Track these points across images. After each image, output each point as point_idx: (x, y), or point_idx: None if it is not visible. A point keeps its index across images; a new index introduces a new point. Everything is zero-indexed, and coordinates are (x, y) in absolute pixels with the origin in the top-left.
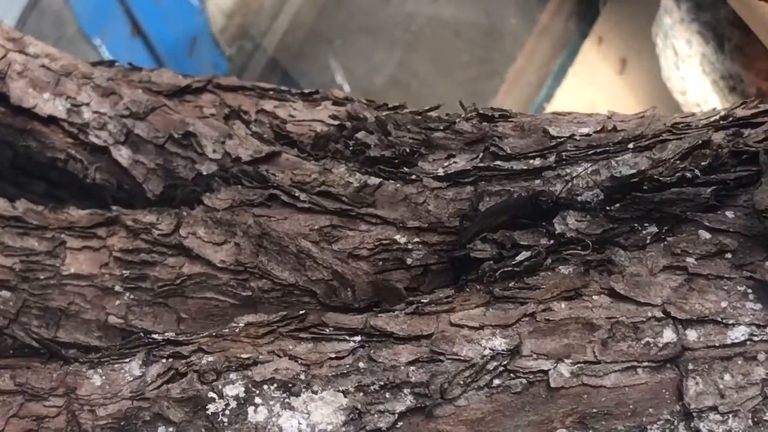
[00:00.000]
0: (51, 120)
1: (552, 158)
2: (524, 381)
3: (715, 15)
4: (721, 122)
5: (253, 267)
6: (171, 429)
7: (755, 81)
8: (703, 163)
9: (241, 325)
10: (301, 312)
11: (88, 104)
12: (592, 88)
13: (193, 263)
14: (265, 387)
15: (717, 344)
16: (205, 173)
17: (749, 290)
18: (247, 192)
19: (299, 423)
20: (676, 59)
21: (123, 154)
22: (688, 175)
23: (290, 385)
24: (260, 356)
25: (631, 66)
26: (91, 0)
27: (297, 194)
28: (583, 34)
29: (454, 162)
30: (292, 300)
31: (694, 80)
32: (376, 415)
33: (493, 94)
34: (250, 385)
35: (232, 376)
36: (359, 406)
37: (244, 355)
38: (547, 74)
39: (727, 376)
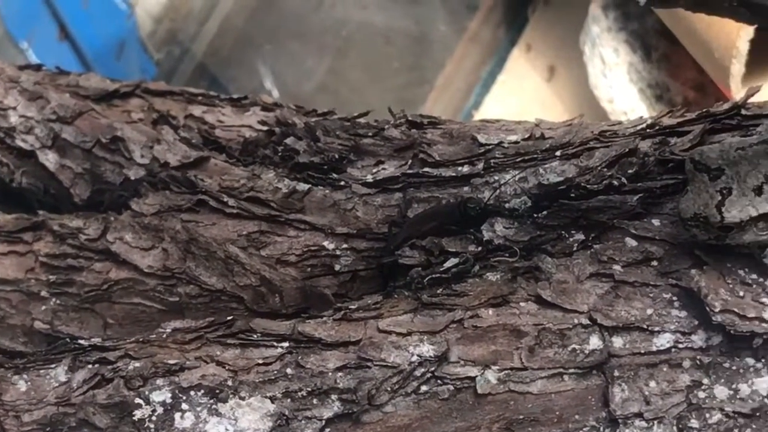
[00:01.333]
0: None
1: (480, 165)
2: (451, 387)
3: (642, 24)
4: (648, 131)
5: (180, 272)
6: None
7: (682, 90)
8: (629, 171)
9: (168, 330)
10: (228, 318)
11: (14, 108)
12: (521, 96)
13: (120, 268)
14: (192, 393)
15: (642, 351)
16: (132, 178)
17: (675, 298)
18: (175, 197)
19: (226, 429)
20: (603, 67)
21: (50, 159)
22: (615, 182)
23: (217, 391)
24: (187, 362)
25: (559, 74)
26: (18, 2)
27: (225, 200)
28: (512, 42)
29: (383, 168)
30: (219, 306)
31: (621, 88)
32: (303, 422)
33: (423, 100)
34: (177, 391)
35: (159, 382)
36: (287, 413)
37: (171, 361)
38: (476, 81)
39: (652, 383)
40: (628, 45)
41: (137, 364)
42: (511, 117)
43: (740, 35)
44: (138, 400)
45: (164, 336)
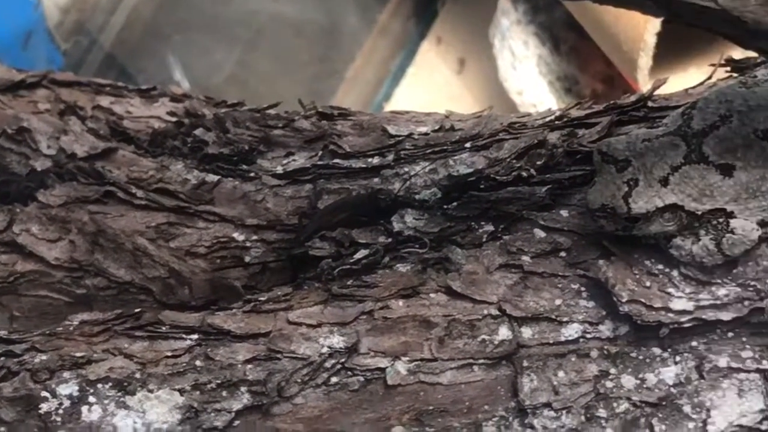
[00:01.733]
0: None
1: (390, 157)
2: (361, 379)
3: (551, 17)
4: (557, 122)
5: (88, 265)
6: (2, 429)
7: (590, 82)
8: (538, 163)
9: (76, 323)
10: (136, 310)
11: None
12: (431, 88)
13: (26, 260)
14: (100, 386)
15: (551, 341)
16: (39, 169)
17: (583, 288)
18: (82, 188)
19: (134, 422)
20: (513, 60)
21: None
22: (524, 174)
23: (125, 383)
24: (95, 355)
25: (469, 66)
26: None
27: (134, 191)
28: (422, 35)
29: (293, 160)
30: (127, 298)
31: (530, 81)
32: (212, 414)
33: (333, 93)
34: (84, 384)
35: (66, 374)
36: (195, 405)
37: (78, 354)
38: (386, 74)
39: (560, 373)
40: (537, 37)
41: (44, 357)
42: (422, 109)
43: (647, 28)
44: (44, 393)
45: (71, 329)
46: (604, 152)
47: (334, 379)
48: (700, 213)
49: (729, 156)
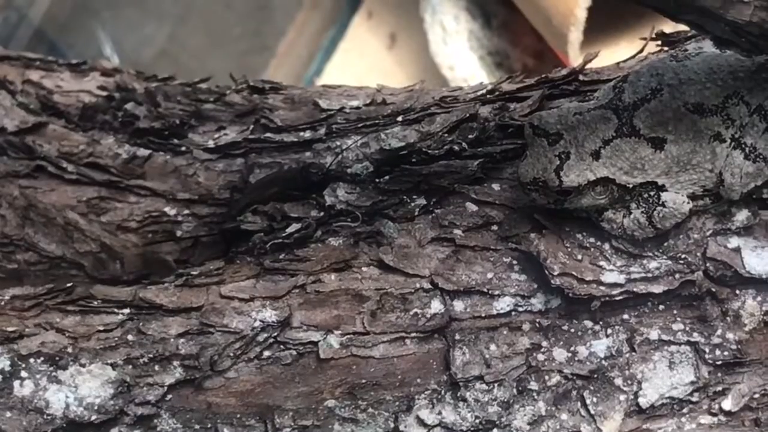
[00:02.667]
0: None
1: (322, 131)
2: (294, 353)
3: None
4: (488, 96)
5: (19, 239)
6: None
7: (521, 57)
8: (470, 137)
9: (7, 298)
10: (68, 285)
11: None
12: (362, 63)
13: None
14: (32, 360)
15: (483, 315)
16: None
17: (515, 261)
18: (12, 163)
19: (66, 396)
20: (444, 35)
21: None
22: (456, 148)
23: (57, 358)
24: (26, 329)
25: (400, 41)
26: None
27: (64, 165)
28: (353, 10)
29: (225, 134)
30: (59, 273)
31: (461, 56)
32: (145, 388)
33: (264, 67)
34: (15, 359)
35: None
36: (128, 379)
37: (10, 329)
38: (318, 49)
39: (492, 346)
40: (468, 12)
41: None
42: (353, 84)
43: (578, 2)
44: None
45: (2, 303)
46: (535, 126)
47: (266, 353)
48: (631, 186)
49: (660, 129)
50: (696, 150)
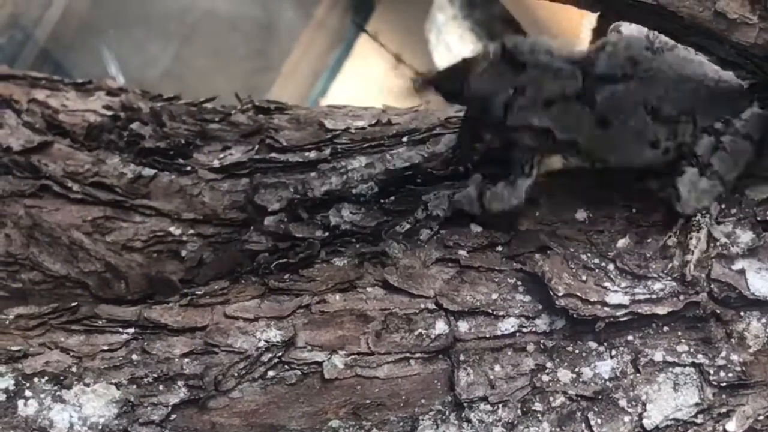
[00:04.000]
0: None
1: (327, 151)
2: (298, 372)
3: (487, 13)
4: None
5: (23, 258)
6: None
7: None
8: (475, 158)
9: (11, 317)
10: (73, 304)
11: None
12: (368, 83)
13: None
14: (36, 380)
15: (488, 335)
16: None
17: (519, 282)
18: (17, 182)
19: (71, 416)
20: (449, 55)
21: None
22: (461, 168)
23: (62, 377)
24: (31, 348)
25: (406, 61)
26: None
27: (70, 185)
28: (359, 29)
29: (230, 154)
30: (63, 292)
31: None
32: (149, 408)
33: (269, 87)
34: (20, 378)
35: (2, 368)
36: (132, 399)
37: (14, 348)
38: (323, 68)
39: (497, 367)
40: (474, 33)
41: None
42: (358, 104)
43: (583, 24)
44: None
45: (7, 322)
46: (507, 48)
47: (271, 373)
48: (560, 139)
49: (612, 113)
50: (628, 143)
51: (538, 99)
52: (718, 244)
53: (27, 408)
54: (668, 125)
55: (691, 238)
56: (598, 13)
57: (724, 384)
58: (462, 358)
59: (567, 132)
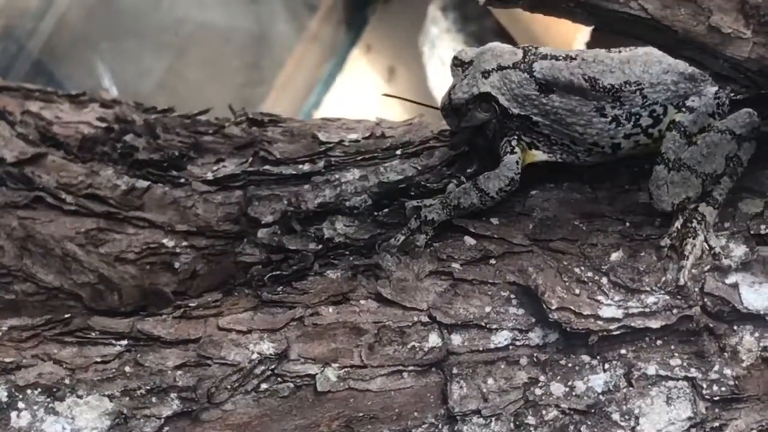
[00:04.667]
0: None
1: (321, 164)
2: (291, 385)
3: (480, 26)
4: None
5: (17, 270)
6: None
7: None
8: (468, 171)
9: (5, 328)
10: (66, 316)
11: None
12: (361, 96)
13: None
14: (29, 391)
15: (481, 349)
16: None
17: (512, 296)
18: (11, 194)
19: (63, 428)
20: (442, 68)
21: None
22: (455, 182)
23: (54, 389)
24: (24, 360)
25: (398, 74)
26: None
27: (63, 196)
28: (352, 42)
29: (223, 166)
30: (56, 304)
31: None
32: (142, 420)
33: (262, 99)
34: (13, 390)
35: None
36: (125, 411)
37: (7, 359)
38: (316, 81)
39: (490, 380)
40: (467, 46)
41: None
42: (352, 117)
43: (576, 37)
44: None
45: (0, 334)
46: (455, 57)
47: (264, 386)
48: (511, 113)
49: (551, 81)
50: (575, 112)
51: (477, 74)
52: (713, 252)
53: (20, 420)
54: (609, 93)
55: (686, 244)
56: (592, 27)
57: (717, 398)
58: (455, 371)
59: (513, 101)
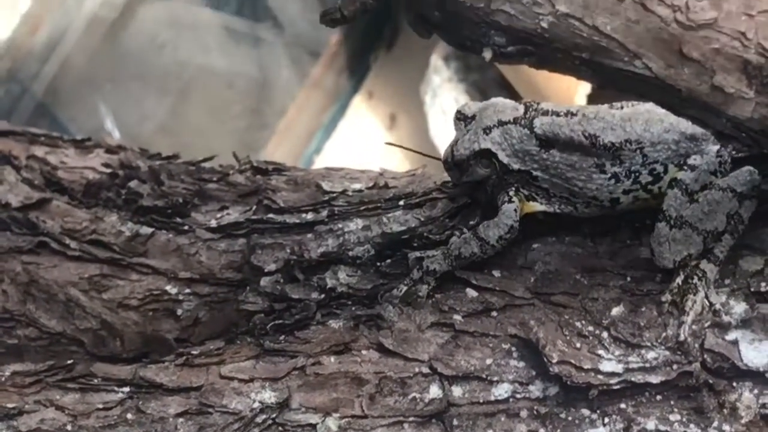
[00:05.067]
0: None
1: (324, 213)
2: None
3: (482, 76)
4: None
5: (20, 315)
6: None
7: None
8: (471, 222)
9: (7, 374)
10: (68, 361)
11: None
12: (362, 142)
13: None
14: None
15: (481, 401)
16: None
17: (513, 348)
18: (16, 238)
19: None
20: (444, 117)
21: None
22: (457, 233)
23: None
24: (26, 406)
25: (400, 122)
26: None
27: (67, 242)
28: (354, 89)
29: (227, 214)
30: (59, 349)
31: None
32: None
33: (264, 145)
34: None
35: None
36: None
37: (10, 405)
38: (318, 127)
39: None
40: (469, 95)
41: None
42: (352, 164)
43: (578, 90)
44: None
45: (3, 379)
46: (459, 111)
47: None
48: (511, 168)
49: (551, 137)
50: (575, 167)
51: (478, 131)
52: (713, 309)
53: None
54: (609, 151)
55: (687, 300)
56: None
57: None
58: (455, 422)
59: (513, 157)
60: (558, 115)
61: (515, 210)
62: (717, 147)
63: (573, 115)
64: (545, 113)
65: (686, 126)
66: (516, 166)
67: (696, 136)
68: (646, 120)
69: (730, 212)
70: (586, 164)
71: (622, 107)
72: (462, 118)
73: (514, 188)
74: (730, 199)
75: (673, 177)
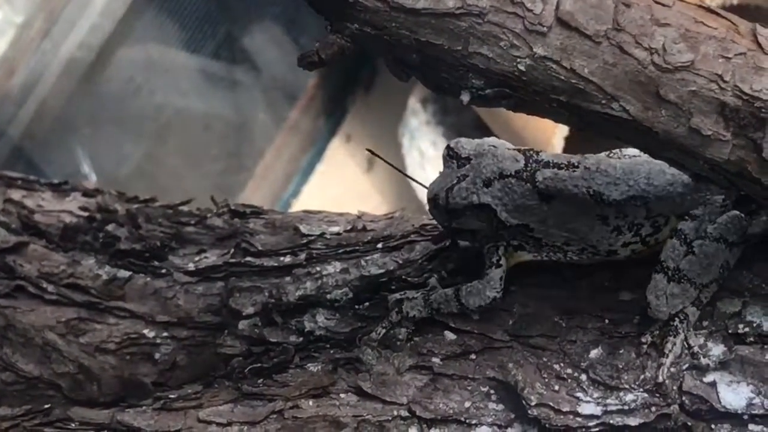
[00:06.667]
0: None
1: (302, 256)
2: None
3: (459, 118)
4: None
5: None
6: None
7: None
8: (450, 266)
9: None
10: (46, 406)
11: None
12: (340, 186)
13: None
14: None
15: None
16: None
17: (492, 391)
18: None
19: None
20: (421, 160)
21: None
22: (435, 276)
23: None
24: None
25: (378, 165)
26: None
27: (44, 286)
28: (332, 132)
29: (205, 257)
30: (36, 393)
31: None
32: None
33: (242, 188)
34: None
35: None
36: None
37: None
38: (295, 170)
39: None
40: (446, 138)
41: None
42: (330, 207)
43: (555, 132)
44: None
45: None
46: (451, 148)
47: None
48: (509, 225)
49: (554, 192)
50: (578, 219)
51: (477, 181)
52: (692, 351)
53: None
54: (613, 206)
55: (666, 342)
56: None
57: None
58: None
59: (513, 212)
60: (560, 167)
61: (501, 278)
62: (721, 197)
63: (575, 167)
64: (546, 165)
65: (688, 177)
66: (514, 222)
67: (699, 187)
68: (648, 172)
69: (722, 263)
70: (589, 216)
71: (620, 157)
72: (454, 156)
73: (504, 243)
74: (723, 250)
75: (673, 227)
